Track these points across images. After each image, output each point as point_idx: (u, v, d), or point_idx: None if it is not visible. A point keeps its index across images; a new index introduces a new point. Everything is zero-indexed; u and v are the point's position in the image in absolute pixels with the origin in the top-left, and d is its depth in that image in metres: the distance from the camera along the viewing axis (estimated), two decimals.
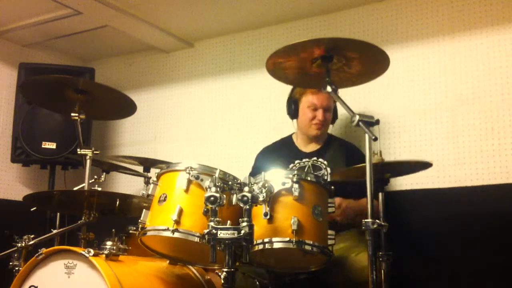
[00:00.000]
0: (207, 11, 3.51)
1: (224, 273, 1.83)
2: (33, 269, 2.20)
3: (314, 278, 2.36)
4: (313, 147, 2.95)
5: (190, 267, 2.42)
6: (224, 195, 1.88)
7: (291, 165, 2.87)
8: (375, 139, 1.92)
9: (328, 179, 2.76)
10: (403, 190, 3.03)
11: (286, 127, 3.11)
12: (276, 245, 1.97)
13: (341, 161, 2.84)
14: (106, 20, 3.59)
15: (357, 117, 1.95)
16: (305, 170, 2.82)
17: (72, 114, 2.57)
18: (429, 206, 3.00)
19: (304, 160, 2.89)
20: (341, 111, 3.11)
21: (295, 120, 3.00)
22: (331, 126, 3.03)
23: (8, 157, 3.69)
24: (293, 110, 2.96)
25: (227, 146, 3.69)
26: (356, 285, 2.28)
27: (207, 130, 3.81)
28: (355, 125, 1.96)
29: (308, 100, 2.89)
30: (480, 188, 2.88)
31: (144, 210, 2.14)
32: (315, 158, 2.87)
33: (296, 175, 2.02)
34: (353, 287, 2.31)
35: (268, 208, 1.95)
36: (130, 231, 2.53)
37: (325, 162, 2.85)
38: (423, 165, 2.48)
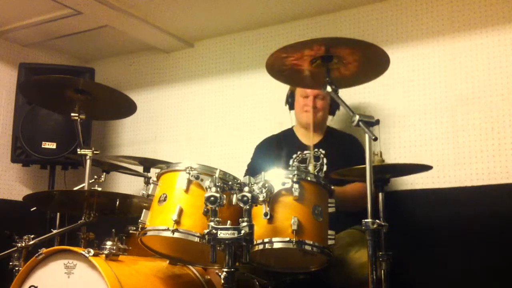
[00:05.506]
0: (207, 11, 3.50)
1: (224, 273, 1.83)
2: (33, 269, 2.20)
3: (314, 278, 2.36)
4: (315, 138, 2.93)
5: (190, 267, 2.42)
6: (224, 195, 1.88)
7: (294, 155, 2.87)
8: (375, 139, 1.92)
9: (324, 169, 2.78)
10: (403, 190, 3.03)
11: (286, 127, 3.11)
12: (276, 245, 1.97)
13: (341, 152, 2.83)
14: (106, 20, 3.59)
15: (357, 117, 1.95)
16: (307, 162, 2.83)
17: (72, 114, 2.57)
18: (429, 206, 3.00)
19: (305, 152, 2.89)
20: (340, 111, 3.11)
21: (293, 112, 3.03)
22: (330, 117, 3.04)
23: (8, 157, 3.69)
24: (290, 101, 3.03)
25: (227, 146, 3.69)
26: (356, 283, 2.28)
27: (207, 130, 3.81)
28: (355, 125, 1.96)
29: (301, 89, 2.93)
30: (480, 188, 2.88)
31: (144, 210, 2.14)
32: (316, 150, 2.88)
33: (296, 175, 2.02)
34: (353, 285, 2.31)
35: (268, 208, 1.95)
36: (130, 231, 2.53)
37: (323, 152, 2.85)
38: (424, 167, 2.48)
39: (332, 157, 2.82)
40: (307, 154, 2.87)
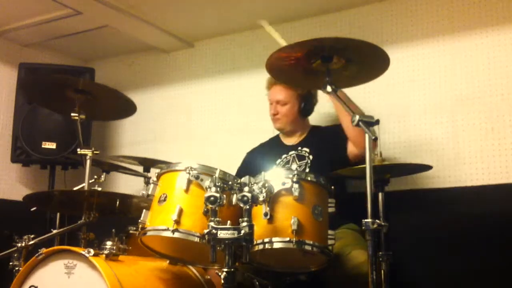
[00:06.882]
0: (207, 11, 3.51)
1: (224, 273, 1.83)
2: (33, 269, 2.20)
3: (314, 278, 2.36)
4: (296, 139, 2.96)
5: (190, 267, 2.42)
6: (224, 195, 1.88)
7: (278, 161, 2.88)
8: (375, 139, 1.92)
9: (309, 165, 2.78)
10: (403, 190, 3.03)
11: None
12: (276, 245, 1.97)
13: (323, 146, 2.83)
14: (106, 20, 3.59)
15: (357, 117, 1.95)
16: (290, 163, 2.84)
17: (72, 114, 2.57)
18: (429, 206, 2.99)
19: (290, 153, 2.89)
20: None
21: None
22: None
23: (8, 157, 3.69)
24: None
25: (227, 146, 3.69)
26: (353, 283, 2.28)
27: (207, 130, 3.81)
28: (355, 125, 1.96)
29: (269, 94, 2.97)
30: (480, 188, 2.88)
31: (144, 210, 2.14)
32: (299, 148, 2.89)
33: (296, 175, 2.02)
34: (350, 285, 2.31)
35: (268, 208, 1.96)
36: (130, 231, 2.53)
37: (307, 149, 2.85)
38: (424, 167, 2.48)
39: (317, 152, 2.83)
40: (291, 155, 2.87)
